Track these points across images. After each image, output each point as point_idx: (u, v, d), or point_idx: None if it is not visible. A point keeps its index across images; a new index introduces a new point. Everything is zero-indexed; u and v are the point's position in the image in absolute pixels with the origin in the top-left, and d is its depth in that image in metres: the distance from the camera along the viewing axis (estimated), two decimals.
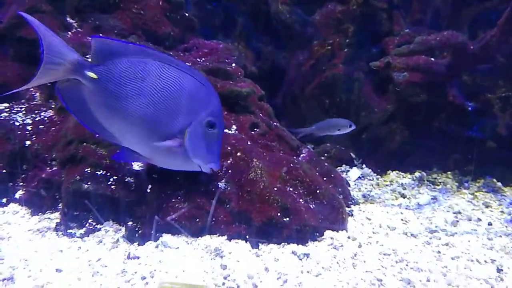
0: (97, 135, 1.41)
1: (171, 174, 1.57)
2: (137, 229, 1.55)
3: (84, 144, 1.60)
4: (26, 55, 2.07)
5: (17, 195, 1.73)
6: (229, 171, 1.63)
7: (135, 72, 1.29)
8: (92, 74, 1.26)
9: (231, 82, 1.98)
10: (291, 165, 1.74)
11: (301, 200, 1.64)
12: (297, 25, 2.78)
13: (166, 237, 1.54)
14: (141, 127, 1.31)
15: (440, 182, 2.48)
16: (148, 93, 1.29)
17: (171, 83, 1.31)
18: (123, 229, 1.56)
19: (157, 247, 1.49)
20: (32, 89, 2.03)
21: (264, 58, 2.99)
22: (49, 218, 1.65)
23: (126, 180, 1.58)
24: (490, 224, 1.92)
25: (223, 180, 1.61)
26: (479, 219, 1.96)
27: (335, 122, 2.24)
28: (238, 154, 1.66)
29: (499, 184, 2.46)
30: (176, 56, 2.17)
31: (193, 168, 1.41)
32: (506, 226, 1.90)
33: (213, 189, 1.59)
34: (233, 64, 2.11)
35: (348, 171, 2.58)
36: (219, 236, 1.56)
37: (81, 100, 1.33)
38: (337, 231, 1.68)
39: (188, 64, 1.35)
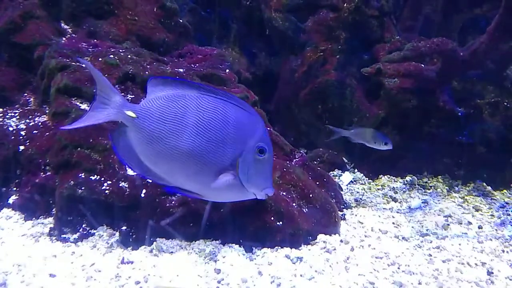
0: (147, 179, 1.33)
1: None
2: (131, 233, 1.55)
3: (78, 149, 1.60)
4: (21, 60, 2.07)
5: (10, 200, 1.73)
6: None
7: (174, 107, 1.23)
8: (130, 113, 1.22)
9: (225, 88, 2.00)
10: (284, 169, 1.76)
11: (294, 204, 1.65)
12: (290, 32, 2.81)
13: (160, 242, 1.54)
14: (188, 165, 1.24)
15: (431, 186, 2.51)
16: (190, 127, 1.22)
17: (214, 113, 1.24)
18: (117, 233, 1.56)
19: (151, 251, 1.49)
20: (26, 94, 2.04)
21: (258, 64, 3.01)
22: (42, 223, 1.65)
23: (120, 185, 1.58)
24: (480, 227, 1.95)
25: None
26: (470, 223, 1.99)
27: (374, 134, 2.18)
28: None
29: (489, 188, 2.50)
30: (170, 62, 2.18)
31: (248, 197, 1.34)
32: (496, 230, 1.93)
33: None
34: (227, 70, 2.13)
35: (341, 175, 2.60)
36: (213, 240, 1.57)
37: (127, 143, 1.28)
38: (330, 235, 1.70)
39: (224, 90, 1.28)
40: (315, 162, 2.61)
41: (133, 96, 1.89)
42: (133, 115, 1.23)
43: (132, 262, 1.42)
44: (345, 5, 2.69)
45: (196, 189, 1.31)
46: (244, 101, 1.32)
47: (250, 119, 1.29)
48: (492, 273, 1.50)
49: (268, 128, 2.08)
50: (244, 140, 1.27)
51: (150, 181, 1.39)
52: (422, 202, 2.26)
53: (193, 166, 1.25)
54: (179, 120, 1.22)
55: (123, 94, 1.87)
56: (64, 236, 1.55)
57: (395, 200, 2.29)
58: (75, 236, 1.55)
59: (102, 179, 1.57)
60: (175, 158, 1.24)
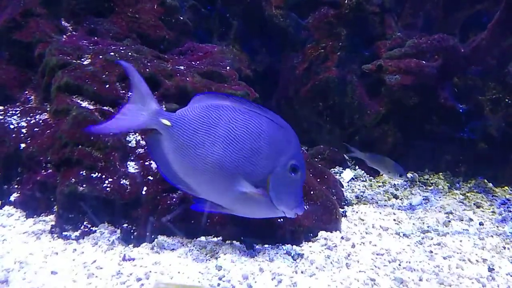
0: (178, 188, 1.32)
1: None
2: (132, 230, 1.55)
3: (80, 146, 1.60)
4: (21, 58, 2.07)
5: (12, 198, 1.73)
6: None
7: (208, 117, 1.21)
8: (166, 121, 1.21)
9: (225, 85, 2.00)
10: None
11: None
12: (291, 29, 2.81)
13: (161, 239, 1.54)
14: (217, 177, 1.22)
15: (432, 183, 2.51)
16: (221, 139, 1.20)
17: (247, 126, 1.22)
18: (118, 231, 1.57)
19: (152, 248, 1.50)
20: (26, 92, 2.04)
21: (259, 61, 3.01)
22: (44, 221, 1.65)
23: (121, 182, 1.58)
24: (481, 224, 1.95)
25: None
26: (471, 219, 1.99)
27: (390, 164, 2.14)
28: None
29: (490, 184, 2.50)
30: (171, 59, 2.18)
31: (277, 214, 1.32)
32: (497, 226, 1.93)
33: None
34: (228, 67, 2.13)
35: (342, 172, 2.60)
36: (214, 237, 1.58)
37: (161, 151, 1.27)
38: (331, 232, 1.70)
39: (259, 105, 1.27)
40: (316, 159, 2.61)
41: None
42: (168, 123, 1.21)
43: (133, 259, 1.42)
44: (346, 1, 2.68)
45: (225, 203, 1.29)
46: (279, 116, 1.29)
47: (285, 134, 1.27)
48: (493, 269, 1.50)
49: None
50: (277, 156, 1.24)
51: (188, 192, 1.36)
52: (423, 199, 2.26)
53: (222, 180, 1.22)
54: (211, 131, 1.20)
55: (123, 91, 1.87)
56: (65, 233, 1.55)
57: (396, 197, 2.29)
58: (77, 233, 1.55)
59: (103, 176, 1.58)
60: (205, 169, 1.21)
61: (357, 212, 2.00)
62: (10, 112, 1.88)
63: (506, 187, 2.48)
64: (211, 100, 1.25)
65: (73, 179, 1.54)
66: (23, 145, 1.74)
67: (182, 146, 1.22)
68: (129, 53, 1.98)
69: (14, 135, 1.76)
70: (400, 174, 2.10)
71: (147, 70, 1.92)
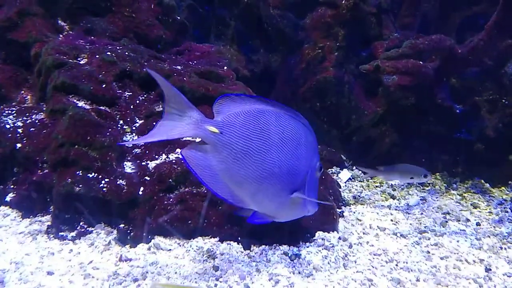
0: (227, 201, 1.21)
1: (163, 176, 1.58)
2: (129, 231, 1.55)
3: (76, 146, 1.59)
4: (17, 57, 2.06)
5: (7, 198, 1.72)
6: None
7: (258, 123, 1.16)
8: (213, 128, 1.13)
9: (223, 85, 1.99)
10: None
11: None
12: (288, 29, 2.80)
13: (158, 239, 1.54)
14: (275, 183, 1.18)
15: (429, 184, 2.51)
16: (275, 144, 1.17)
17: (292, 131, 1.21)
18: (115, 231, 1.56)
19: (149, 249, 1.49)
20: (22, 91, 2.03)
21: (256, 61, 3.00)
22: (40, 221, 1.64)
23: (118, 182, 1.58)
24: (478, 224, 1.95)
25: None
26: (468, 220, 1.99)
27: (409, 170, 2.05)
28: None
29: (487, 185, 2.50)
30: (168, 59, 2.18)
31: (304, 214, 1.31)
32: (494, 227, 1.94)
33: (205, 191, 1.59)
34: (225, 67, 2.13)
35: (339, 172, 2.60)
36: (211, 237, 1.57)
37: (207, 163, 1.16)
38: (328, 232, 1.70)
39: (288, 107, 1.24)
40: None
41: (131, 93, 1.88)
42: (216, 130, 1.13)
43: (130, 260, 1.42)
44: (343, 2, 2.68)
45: (271, 210, 1.25)
46: (303, 117, 1.28)
47: (313, 136, 1.28)
48: (490, 270, 1.50)
49: None
50: (311, 158, 1.25)
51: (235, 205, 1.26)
52: (420, 199, 2.26)
53: (278, 187, 1.19)
54: (264, 137, 1.16)
55: (120, 91, 1.87)
56: (61, 233, 1.54)
57: (393, 197, 2.29)
58: (73, 234, 1.55)
59: (100, 176, 1.57)
60: (262, 177, 1.16)
61: (354, 213, 1.99)
62: (6, 112, 1.87)
63: (503, 188, 2.48)
64: (241, 103, 1.19)
65: (69, 179, 1.54)
66: (19, 145, 1.73)
67: (237, 154, 1.14)
68: (126, 53, 1.97)
69: (10, 135, 1.75)
70: (425, 175, 2.04)
71: (144, 70, 1.92)
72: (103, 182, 1.56)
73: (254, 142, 1.15)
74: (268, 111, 1.19)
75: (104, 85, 1.81)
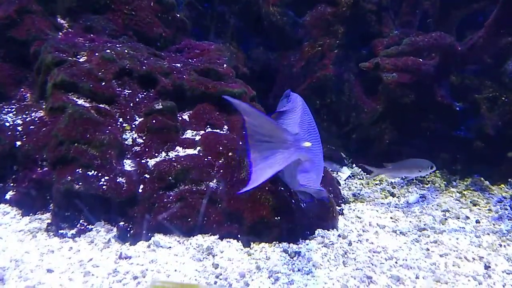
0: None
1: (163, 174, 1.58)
2: (128, 229, 1.55)
3: (75, 144, 1.59)
4: (17, 55, 2.05)
5: (7, 196, 1.72)
6: (221, 170, 1.64)
7: (307, 124, 1.37)
8: (307, 143, 1.17)
9: (222, 82, 1.99)
10: None
11: (292, 199, 1.65)
12: (288, 27, 2.80)
13: (158, 237, 1.54)
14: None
15: (428, 181, 2.52)
16: (316, 140, 1.35)
17: (315, 125, 1.43)
18: (115, 229, 1.56)
19: (149, 246, 1.49)
20: (22, 89, 2.02)
21: (256, 59, 3.00)
22: (40, 219, 1.64)
23: (118, 180, 1.58)
24: (478, 222, 1.96)
25: (214, 180, 1.62)
26: (467, 217, 2.00)
27: (416, 164, 2.07)
28: (230, 154, 1.67)
29: (487, 182, 2.50)
30: (168, 57, 2.17)
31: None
32: (494, 224, 1.94)
33: (205, 189, 1.59)
34: (225, 65, 2.12)
35: (339, 170, 2.60)
36: (211, 235, 1.57)
37: (294, 168, 1.26)
38: (328, 230, 1.70)
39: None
40: None
41: (130, 91, 1.88)
42: (309, 144, 1.18)
43: (129, 257, 1.42)
44: None
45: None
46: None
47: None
48: (490, 267, 1.51)
49: None
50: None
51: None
52: (420, 197, 2.26)
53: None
54: (316, 136, 1.38)
55: (119, 89, 1.86)
56: (61, 231, 1.54)
57: (393, 195, 2.29)
58: (73, 231, 1.55)
59: (100, 174, 1.57)
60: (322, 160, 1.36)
61: (354, 210, 2.00)
62: (6, 109, 1.87)
63: (503, 185, 2.48)
64: (289, 115, 1.41)
65: (69, 177, 1.53)
66: (18, 143, 1.73)
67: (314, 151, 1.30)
68: (125, 50, 1.97)
69: (9, 133, 1.75)
70: (431, 166, 2.07)
71: (144, 67, 1.91)
72: (102, 180, 1.56)
73: (315, 140, 1.33)
74: (299, 112, 1.41)
75: (103, 83, 1.81)
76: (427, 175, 2.55)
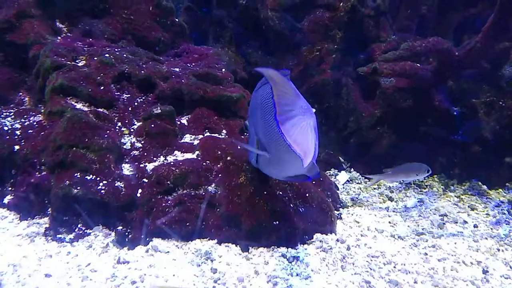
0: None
1: (162, 178, 1.58)
2: (127, 233, 1.55)
3: (74, 149, 1.59)
4: (16, 59, 2.06)
5: (5, 200, 1.72)
6: (220, 175, 1.64)
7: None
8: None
9: (221, 87, 2.00)
10: None
11: (290, 203, 1.65)
12: (286, 31, 2.81)
13: (156, 241, 1.54)
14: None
15: (426, 185, 2.52)
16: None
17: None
18: (113, 233, 1.56)
19: (147, 251, 1.49)
20: (20, 93, 2.03)
21: (254, 63, 3.01)
22: (38, 223, 1.64)
23: (116, 184, 1.58)
24: (476, 226, 1.96)
25: (213, 184, 1.62)
26: (465, 222, 2.00)
27: (413, 168, 2.08)
28: (228, 158, 1.67)
29: (485, 187, 2.51)
30: (166, 61, 2.18)
31: None
32: (492, 228, 1.94)
33: (203, 193, 1.59)
34: (223, 69, 2.13)
35: (337, 174, 2.60)
36: (209, 240, 1.57)
37: None
38: (326, 234, 1.70)
39: None
40: None
41: (129, 95, 1.88)
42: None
43: (128, 262, 1.42)
44: (341, 4, 2.69)
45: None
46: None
47: None
48: (488, 271, 1.51)
49: None
50: None
51: None
52: (418, 201, 2.26)
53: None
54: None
55: (118, 93, 1.87)
56: (59, 236, 1.54)
57: (391, 199, 2.29)
58: (71, 236, 1.54)
59: (98, 178, 1.57)
60: None
61: (352, 215, 2.00)
62: (4, 113, 1.88)
63: (500, 190, 2.48)
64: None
65: (67, 182, 1.53)
66: (17, 147, 1.73)
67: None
68: (124, 55, 1.98)
69: (8, 137, 1.75)
70: (428, 170, 2.07)
71: (143, 72, 1.92)
72: (101, 184, 1.56)
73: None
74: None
75: (102, 87, 1.81)
76: (424, 179, 2.56)
